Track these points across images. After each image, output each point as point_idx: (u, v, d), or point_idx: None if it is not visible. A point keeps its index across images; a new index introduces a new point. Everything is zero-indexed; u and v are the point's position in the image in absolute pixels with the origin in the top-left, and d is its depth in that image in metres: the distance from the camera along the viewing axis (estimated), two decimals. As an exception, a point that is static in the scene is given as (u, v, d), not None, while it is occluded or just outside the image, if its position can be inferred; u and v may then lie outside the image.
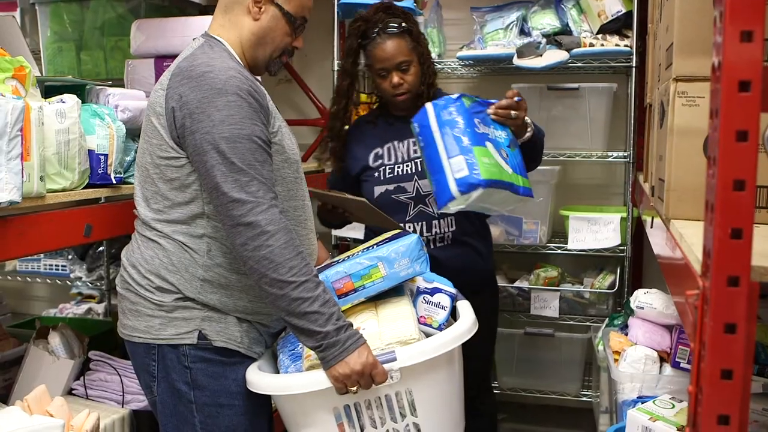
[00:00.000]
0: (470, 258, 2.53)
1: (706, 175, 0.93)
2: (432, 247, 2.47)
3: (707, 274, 0.91)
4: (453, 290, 2.02)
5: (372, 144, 2.53)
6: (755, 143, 0.86)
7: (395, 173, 2.47)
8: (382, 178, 2.49)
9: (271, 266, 1.64)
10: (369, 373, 1.66)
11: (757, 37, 0.85)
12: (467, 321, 1.85)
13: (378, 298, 1.91)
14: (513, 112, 2.22)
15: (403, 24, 2.44)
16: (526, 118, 2.30)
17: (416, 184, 2.44)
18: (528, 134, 2.31)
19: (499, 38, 3.16)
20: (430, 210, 2.44)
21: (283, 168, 1.84)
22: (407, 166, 2.46)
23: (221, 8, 1.89)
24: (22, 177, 1.62)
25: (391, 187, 2.48)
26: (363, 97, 3.44)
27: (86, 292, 3.88)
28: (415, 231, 2.45)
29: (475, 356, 2.48)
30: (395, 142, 2.51)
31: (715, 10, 0.90)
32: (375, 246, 1.94)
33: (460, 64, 3.28)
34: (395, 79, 2.41)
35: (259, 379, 1.76)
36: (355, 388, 1.67)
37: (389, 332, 1.77)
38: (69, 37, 3.17)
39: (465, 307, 1.97)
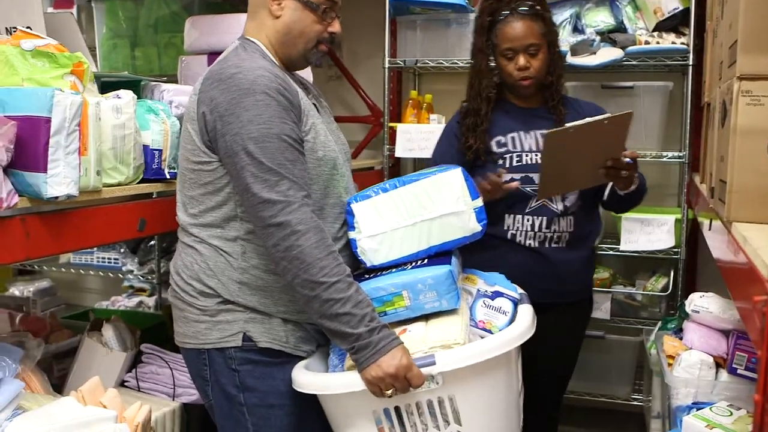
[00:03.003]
0: (580, 265, 2.45)
1: (777, 177, 0.90)
2: (547, 246, 2.38)
3: (777, 279, 0.88)
4: (516, 294, 1.97)
5: (492, 132, 2.42)
6: (831, 144, 0.82)
7: (523, 162, 2.36)
8: (508, 165, 2.37)
9: (302, 266, 1.63)
10: (403, 375, 1.61)
11: (834, 33, 0.82)
12: (521, 325, 1.78)
13: None
14: (623, 171, 2.19)
15: (537, 7, 2.35)
16: (636, 174, 2.27)
17: None
18: (632, 188, 2.29)
19: (552, 36, 3.12)
20: (554, 206, 2.34)
21: (318, 166, 1.80)
22: (537, 156, 2.33)
23: (249, 13, 1.89)
24: (80, 171, 1.64)
25: (517, 176, 2.34)
26: (413, 93, 3.44)
27: (137, 285, 3.94)
28: (533, 226, 2.36)
29: (553, 372, 2.48)
30: (521, 132, 2.40)
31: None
32: (407, 266, 1.88)
33: (512, 62, 3.24)
34: (521, 61, 2.32)
35: (300, 377, 1.75)
36: (390, 392, 1.63)
37: (434, 335, 1.73)
38: (124, 34, 3.22)
39: (524, 311, 1.89)
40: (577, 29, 3.13)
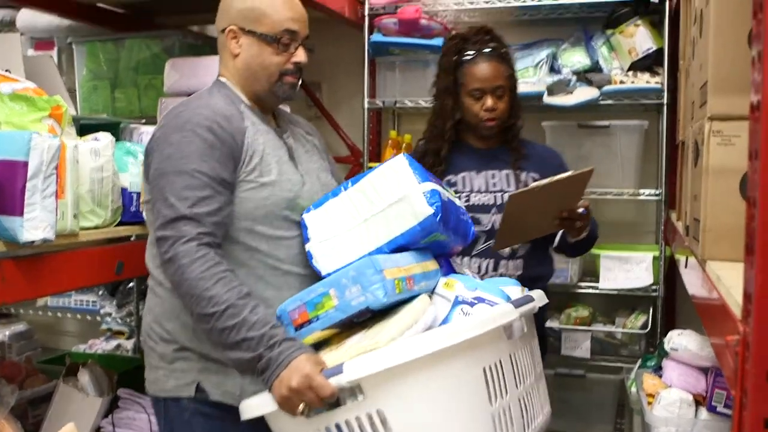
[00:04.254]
0: None
1: (746, 217, 0.91)
2: None
3: (748, 319, 0.89)
4: (501, 299, 1.73)
5: (445, 171, 2.41)
6: (797, 185, 0.84)
7: (471, 202, 2.36)
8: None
9: (192, 301, 1.57)
10: (307, 386, 1.46)
11: (797, 77, 0.84)
12: (462, 324, 1.56)
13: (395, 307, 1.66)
14: (578, 222, 2.20)
15: (503, 50, 2.38)
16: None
17: (493, 217, 2.33)
18: (583, 235, 2.28)
19: (529, 76, 3.15)
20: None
21: (265, 206, 1.74)
22: (485, 196, 2.36)
23: (219, 54, 1.89)
24: (56, 215, 1.64)
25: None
26: (392, 133, 3.46)
27: (116, 328, 3.90)
28: (479, 269, 2.34)
29: None
30: (472, 173, 2.40)
31: (753, 48, 0.89)
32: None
33: (489, 102, 3.27)
34: (489, 102, 2.33)
35: (244, 403, 1.61)
36: (301, 408, 1.47)
37: (364, 342, 1.55)
38: (104, 76, 3.23)
39: (484, 311, 1.68)
40: (553, 69, 3.18)
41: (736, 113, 1.38)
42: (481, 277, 2.24)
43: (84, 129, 2.06)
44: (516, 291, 1.83)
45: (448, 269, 1.90)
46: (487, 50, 2.35)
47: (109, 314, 3.83)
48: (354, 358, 1.46)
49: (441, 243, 1.80)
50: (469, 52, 2.36)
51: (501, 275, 2.32)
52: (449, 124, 2.40)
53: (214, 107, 1.74)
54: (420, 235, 1.70)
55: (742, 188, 1.36)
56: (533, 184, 2.13)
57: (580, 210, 2.19)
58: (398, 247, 1.71)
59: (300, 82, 1.88)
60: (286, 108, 2.14)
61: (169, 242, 1.60)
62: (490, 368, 1.54)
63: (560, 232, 2.37)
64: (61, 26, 3.32)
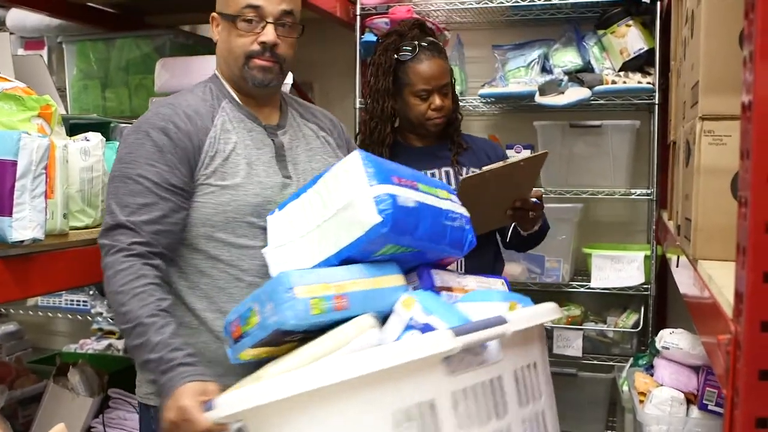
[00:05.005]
0: None
1: (738, 217, 0.91)
2: None
3: (739, 318, 0.89)
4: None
5: None
6: (788, 185, 0.84)
7: None
8: None
9: (114, 314, 1.52)
10: (182, 419, 1.36)
11: (788, 77, 0.84)
12: (366, 356, 1.20)
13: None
14: (531, 213, 2.13)
15: (439, 43, 2.31)
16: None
17: None
18: (535, 228, 2.23)
19: (520, 76, 3.16)
20: None
21: (225, 212, 1.64)
22: None
23: None
24: (46, 215, 1.63)
25: None
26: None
27: (107, 327, 3.87)
28: None
29: None
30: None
31: (745, 48, 0.89)
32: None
33: (482, 102, 3.27)
34: (438, 101, 2.24)
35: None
36: None
37: (270, 369, 1.41)
38: (94, 75, 3.21)
39: (416, 338, 1.37)
40: (545, 69, 3.18)
41: (728, 113, 1.39)
42: None
43: (74, 129, 2.05)
44: (499, 308, 1.49)
45: (429, 283, 1.62)
46: (425, 44, 2.27)
47: (100, 314, 3.81)
48: (235, 389, 1.32)
49: (413, 255, 1.58)
50: (406, 49, 2.26)
51: None
52: (389, 128, 2.31)
53: (181, 105, 1.67)
54: (368, 247, 1.47)
55: (734, 188, 1.36)
56: (486, 168, 2.05)
57: (533, 200, 2.14)
58: (346, 259, 1.49)
59: (277, 66, 1.72)
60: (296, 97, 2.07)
61: (103, 251, 1.57)
62: (409, 411, 1.21)
63: (512, 226, 2.32)
64: (51, 25, 3.30)
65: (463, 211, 1.70)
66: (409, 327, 1.42)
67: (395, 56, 2.26)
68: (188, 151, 1.63)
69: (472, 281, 1.73)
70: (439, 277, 1.65)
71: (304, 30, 1.82)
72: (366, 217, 1.43)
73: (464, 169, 2.33)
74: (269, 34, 1.68)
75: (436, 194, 1.61)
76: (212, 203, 1.64)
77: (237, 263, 1.65)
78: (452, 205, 1.67)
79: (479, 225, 2.10)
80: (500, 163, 2.05)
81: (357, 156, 1.51)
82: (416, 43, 2.26)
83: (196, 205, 1.64)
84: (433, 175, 2.30)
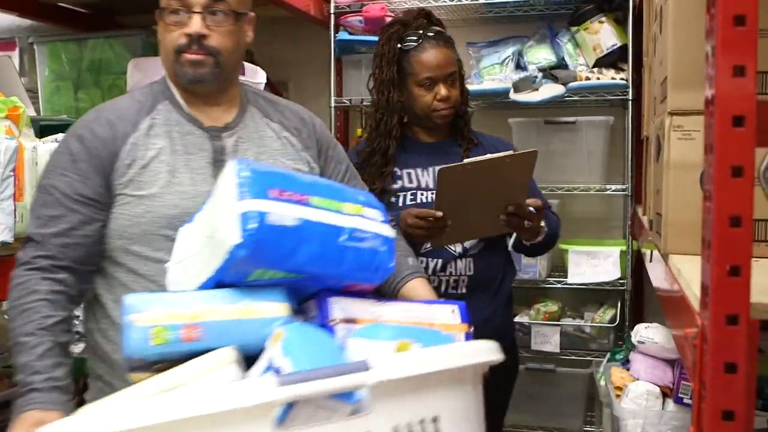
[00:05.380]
0: (483, 317, 2.07)
1: (702, 211, 0.92)
2: (442, 291, 2.15)
3: (705, 312, 0.90)
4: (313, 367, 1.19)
5: (401, 165, 2.25)
6: (751, 179, 0.85)
7: (417, 200, 2.18)
8: (400, 204, 2.18)
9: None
10: None
11: (749, 71, 0.84)
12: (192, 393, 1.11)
13: None
14: (527, 222, 2.03)
15: (447, 33, 2.22)
16: (542, 224, 2.11)
17: None
18: (538, 239, 2.15)
19: (495, 73, 3.16)
20: (452, 247, 2.17)
21: (139, 224, 1.53)
22: (433, 194, 2.12)
23: None
24: (15, 218, 1.61)
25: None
26: (359, 131, 3.45)
27: (82, 331, 3.84)
28: (427, 269, 2.14)
29: None
30: (418, 169, 2.23)
31: (707, 44, 0.90)
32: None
33: (456, 99, 3.28)
34: (443, 91, 2.16)
35: None
36: None
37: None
38: (67, 76, 3.18)
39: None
40: (519, 66, 3.19)
41: (696, 108, 1.39)
42: (428, 278, 1.97)
43: (45, 130, 2.03)
44: (382, 348, 1.27)
45: (324, 315, 1.38)
46: (431, 34, 2.19)
47: (77, 316, 3.77)
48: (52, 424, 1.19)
49: (312, 280, 1.38)
50: (411, 38, 2.19)
51: (450, 275, 2.16)
52: (395, 119, 2.23)
53: (107, 109, 1.59)
54: (235, 272, 1.30)
55: (702, 182, 1.37)
56: (467, 160, 1.97)
57: (530, 209, 2.03)
58: (221, 283, 1.32)
59: (210, 58, 1.56)
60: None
61: (16, 264, 1.52)
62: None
63: (514, 233, 2.24)
64: (22, 26, 3.27)
65: (383, 230, 1.44)
66: (268, 368, 1.20)
67: (399, 46, 2.19)
68: (103, 160, 1.53)
69: (396, 310, 1.47)
70: (341, 307, 1.39)
71: (255, 19, 1.68)
72: (227, 237, 1.26)
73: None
74: (194, 24, 1.53)
75: (338, 209, 1.38)
76: (128, 215, 1.53)
77: (156, 278, 1.50)
78: (362, 222, 1.41)
79: (467, 230, 2.10)
80: (483, 157, 1.97)
81: (232, 166, 1.32)
82: (421, 32, 2.19)
83: (113, 216, 1.54)
84: (430, 171, 2.22)
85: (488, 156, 1.98)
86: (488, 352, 1.27)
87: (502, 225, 2.05)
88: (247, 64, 2.64)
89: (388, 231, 1.45)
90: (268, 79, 2.76)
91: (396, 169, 2.23)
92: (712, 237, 0.87)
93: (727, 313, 0.86)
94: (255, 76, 2.66)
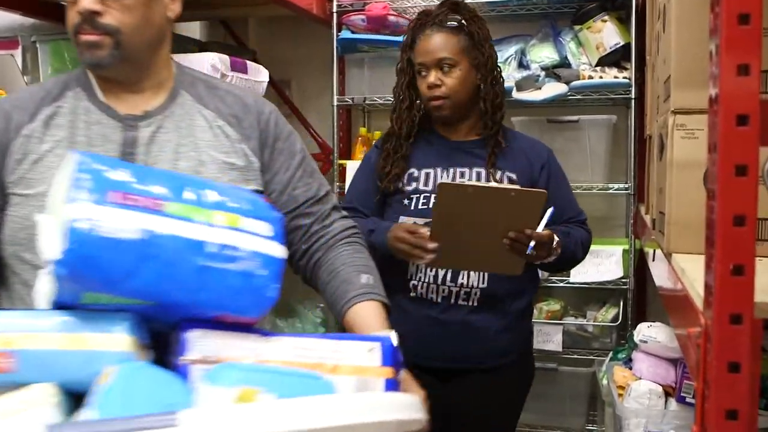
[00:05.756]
0: (495, 332, 2.09)
1: (706, 210, 0.92)
2: (452, 302, 2.06)
3: (709, 311, 0.89)
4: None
5: (408, 164, 2.15)
6: (755, 178, 0.84)
7: (430, 204, 2.05)
8: (412, 207, 2.08)
9: None
10: None
11: (753, 70, 0.84)
12: None
13: None
14: (531, 251, 1.90)
15: (464, 21, 2.09)
16: (553, 243, 1.98)
17: None
18: (549, 260, 2.02)
19: (497, 72, 3.16)
20: None
21: (28, 228, 1.30)
22: None
23: None
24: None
25: (420, 220, 2.03)
26: (362, 130, 3.45)
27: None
28: (436, 278, 2.06)
29: None
30: (437, 169, 2.12)
31: (711, 42, 0.89)
32: None
33: (459, 98, 3.28)
34: (431, 77, 2.06)
35: None
36: None
37: None
38: (69, 75, 3.19)
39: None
40: (522, 65, 3.18)
41: (699, 106, 1.39)
42: (437, 288, 2.06)
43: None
44: (219, 395, 0.98)
45: (180, 352, 1.08)
46: (442, 22, 2.10)
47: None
48: None
49: (160, 309, 1.09)
50: (424, 26, 2.13)
51: (461, 287, 2.06)
52: (405, 106, 2.16)
53: (9, 99, 1.44)
54: (63, 291, 1.05)
55: (706, 181, 1.37)
56: (469, 182, 1.91)
57: (532, 242, 1.90)
58: (61, 305, 1.08)
59: (107, 38, 1.34)
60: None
61: None
62: None
63: None
64: (25, 25, 3.27)
65: (267, 248, 1.14)
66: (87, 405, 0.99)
67: (412, 34, 2.14)
68: None
69: (285, 348, 1.15)
70: (205, 343, 1.11)
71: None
72: (46, 251, 1.05)
73: (499, 173, 2.10)
74: (82, 3, 1.31)
75: (206, 220, 1.10)
76: (17, 217, 1.34)
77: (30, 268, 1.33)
78: (236, 237, 1.12)
79: (464, 258, 1.97)
80: (488, 184, 1.91)
81: (73, 159, 1.08)
82: (438, 19, 2.10)
83: (5, 219, 1.35)
84: (462, 174, 2.10)
85: (493, 184, 1.94)
86: (387, 409, 0.95)
87: (505, 263, 1.96)
88: (249, 63, 2.64)
89: (275, 249, 1.15)
90: (270, 78, 2.76)
91: (413, 169, 2.14)
92: (715, 236, 0.86)
93: (731, 313, 0.86)
94: (257, 75, 2.66)
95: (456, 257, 1.97)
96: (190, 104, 1.46)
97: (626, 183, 3.11)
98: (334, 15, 3.26)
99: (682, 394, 2.07)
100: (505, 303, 2.12)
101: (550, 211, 1.93)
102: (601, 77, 3.01)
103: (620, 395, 2.22)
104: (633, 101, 3.00)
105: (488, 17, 3.31)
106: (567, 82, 3.03)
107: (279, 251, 1.16)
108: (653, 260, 1.83)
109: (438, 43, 2.08)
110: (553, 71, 3.08)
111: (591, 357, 3.19)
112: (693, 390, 2.05)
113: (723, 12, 0.84)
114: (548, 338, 3.16)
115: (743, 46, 0.84)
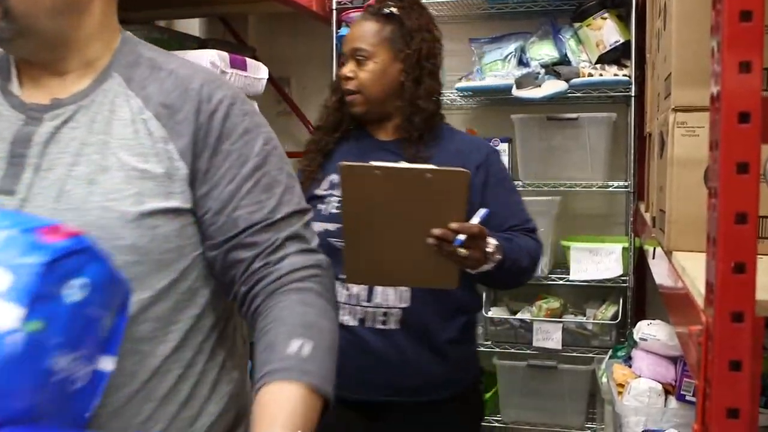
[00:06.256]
0: (426, 356, 1.83)
1: (707, 208, 0.91)
2: (368, 325, 1.81)
3: (710, 309, 0.89)
4: None
5: (328, 167, 1.92)
6: (756, 175, 0.84)
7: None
8: (324, 212, 1.83)
9: None
10: None
11: (755, 67, 0.84)
12: None
13: None
14: (461, 250, 1.54)
15: (394, 10, 1.87)
16: (490, 245, 1.64)
17: None
18: (485, 267, 1.66)
19: (497, 69, 3.16)
20: None
21: None
22: None
23: None
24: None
25: (332, 227, 1.78)
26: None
27: None
28: (349, 298, 1.81)
29: None
30: None
31: (713, 39, 0.89)
32: None
33: (458, 96, 3.28)
34: (345, 69, 1.86)
35: None
36: None
37: None
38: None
39: None
40: (522, 62, 3.18)
41: (700, 104, 1.38)
42: (351, 308, 1.81)
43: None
44: None
45: None
46: (377, 9, 1.90)
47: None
48: None
49: None
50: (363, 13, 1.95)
51: (377, 306, 1.80)
52: (336, 98, 1.95)
53: None
54: None
55: (707, 179, 1.37)
56: (376, 162, 1.58)
57: (458, 238, 1.54)
58: None
59: None
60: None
61: None
62: None
63: None
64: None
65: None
66: None
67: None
68: None
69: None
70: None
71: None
72: None
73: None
74: None
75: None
76: None
77: None
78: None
79: (387, 271, 1.63)
80: (396, 164, 1.57)
81: None
82: (373, 7, 1.93)
83: None
84: None
85: (404, 164, 1.59)
86: None
87: (435, 272, 1.60)
88: (249, 60, 2.64)
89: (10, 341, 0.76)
90: (270, 75, 2.76)
91: (334, 175, 1.87)
92: (717, 234, 0.86)
93: (732, 311, 0.86)
94: (257, 72, 2.66)
95: (376, 269, 1.63)
96: (117, 90, 1.15)
97: (626, 181, 3.11)
98: (334, 12, 3.26)
99: (681, 392, 2.07)
100: (432, 326, 1.85)
101: (483, 211, 1.64)
102: (601, 75, 3.01)
103: (620, 393, 2.21)
104: (633, 99, 3.00)
105: (488, 14, 3.33)
106: (567, 80, 3.02)
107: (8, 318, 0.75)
108: (653, 258, 1.82)
109: (357, 31, 1.89)
110: (552, 69, 3.08)
111: (590, 355, 3.19)
112: (693, 388, 2.05)
113: (725, 9, 0.84)
114: (548, 336, 3.16)
115: (745, 43, 0.84)
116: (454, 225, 1.52)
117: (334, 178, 1.84)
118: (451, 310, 1.87)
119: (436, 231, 1.51)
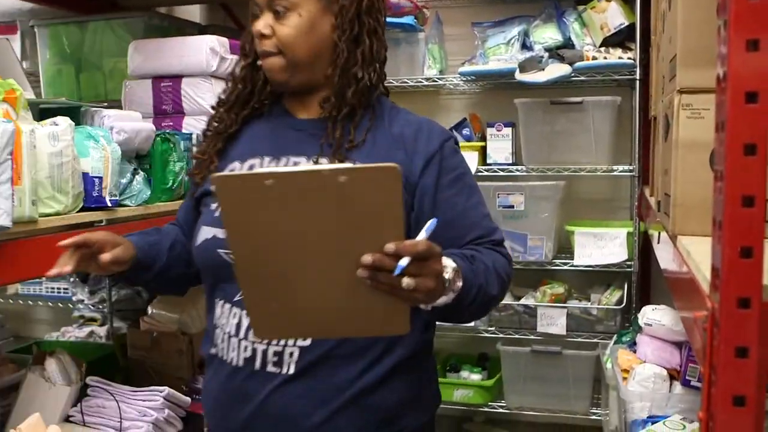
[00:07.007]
0: (328, 414, 1.32)
1: (713, 190, 0.89)
2: (257, 368, 1.33)
3: (716, 294, 0.87)
4: None
5: (231, 154, 1.48)
6: (763, 157, 0.82)
7: None
8: (217, 214, 1.38)
9: None
10: None
11: (763, 45, 0.81)
12: None
13: None
14: (406, 280, 1.03)
15: None
16: (447, 269, 1.15)
17: None
18: (442, 301, 1.16)
19: (500, 53, 3.13)
20: None
21: None
22: None
23: None
24: (13, 201, 1.59)
25: (222, 234, 1.34)
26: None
27: (88, 315, 3.84)
28: (237, 330, 1.35)
29: None
30: (265, 159, 1.43)
31: (719, 18, 0.86)
32: None
33: (462, 80, 3.25)
34: (258, 23, 1.39)
35: None
36: None
37: None
38: (68, 59, 3.16)
39: None
40: (525, 46, 3.15)
41: (706, 86, 1.36)
42: (239, 343, 1.34)
43: (45, 113, 2.01)
44: None
45: None
46: None
47: (82, 301, 3.77)
48: None
49: None
50: None
51: (268, 345, 1.32)
52: (246, 63, 1.48)
53: None
54: None
55: (712, 162, 1.34)
56: (262, 169, 1.27)
57: (400, 263, 1.01)
58: None
59: None
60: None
61: None
62: None
63: None
64: (24, 9, 3.25)
65: None
66: None
67: None
68: None
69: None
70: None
71: None
72: None
73: (351, 164, 1.30)
74: None
75: None
76: None
77: None
78: None
79: (308, 317, 1.11)
80: (291, 168, 1.15)
81: None
82: None
83: None
84: (296, 164, 1.40)
85: (310, 167, 1.21)
86: None
87: (377, 315, 1.10)
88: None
89: None
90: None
91: (237, 162, 1.46)
92: (723, 217, 0.84)
93: (739, 296, 0.84)
94: (257, 57, 2.63)
95: (291, 319, 1.13)
96: None
97: (631, 165, 3.08)
98: None
99: (687, 378, 2.05)
100: (342, 371, 1.35)
101: (431, 222, 1.14)
102: (605, 58, 2.98)
103: (624, 378, 2.20)
104: (638, 82, 2.97)
105: (491, -2, 3.29)
106: (571, 63, 3.00)
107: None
108: (658, 243, 1.80)
109: None
110: (556, 52, 3.05)
111: (595, 340, 3.18)
112: (698, 373, 2.04)
113: (732, -13, 0.81)
114: (552, 321, 3.14)
115: (752, 20, 0.81)
116: (390, 246, 1.02)
117: (237, 167, 1.44)
118: (371, 350, 1.36)
119: (367, 258, 1.02)
